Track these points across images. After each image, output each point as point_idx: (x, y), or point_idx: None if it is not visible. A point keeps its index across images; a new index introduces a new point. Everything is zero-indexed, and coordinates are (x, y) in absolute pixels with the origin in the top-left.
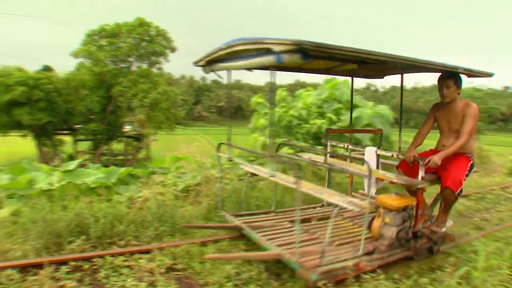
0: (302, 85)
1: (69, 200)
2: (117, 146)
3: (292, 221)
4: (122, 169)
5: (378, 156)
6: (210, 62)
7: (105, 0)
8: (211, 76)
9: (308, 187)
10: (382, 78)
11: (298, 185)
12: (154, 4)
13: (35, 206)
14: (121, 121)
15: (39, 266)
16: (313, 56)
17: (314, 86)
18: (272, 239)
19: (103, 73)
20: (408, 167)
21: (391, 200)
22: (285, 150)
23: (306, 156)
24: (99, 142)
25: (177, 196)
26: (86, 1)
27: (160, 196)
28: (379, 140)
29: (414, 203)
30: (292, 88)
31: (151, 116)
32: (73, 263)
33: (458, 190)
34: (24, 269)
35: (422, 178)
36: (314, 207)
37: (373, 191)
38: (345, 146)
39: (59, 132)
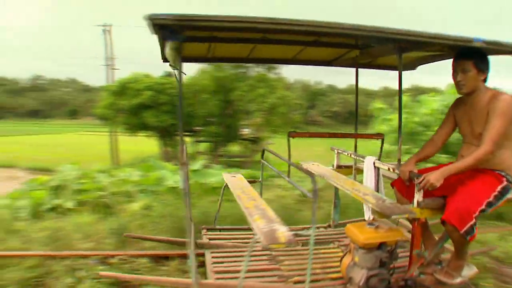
0: (419, 89)
1: (194, 198)
2: (233, 148)
3: None
4: (244, 171)
5: (377, 169)
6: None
7: (223, 8)
8: (326, 81)
9: (246, 204)
10: (414, 69)
11: (186, 194)
12: (268, 9)
13: (164, 201)
14: (238, 124)
15: (167, 257)
16: (189, 38)
17: (434, 90)
18: (220, 262)
19: (223, 78)
20: (405, 186)
21: (361, 232)
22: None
23: (306, 165)
24: (217, 144)
25: (297, 200)
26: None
27: (281, 200)
28: (380, 147)
29: (398, 239)
30: (408, 93)
31: (268, 120)
32: (200, 259)
33: (466, 227)
34: (154, 259)
35: (419, 203)
36: (318, 228)
37: (369, 215)
38: (348, 154)
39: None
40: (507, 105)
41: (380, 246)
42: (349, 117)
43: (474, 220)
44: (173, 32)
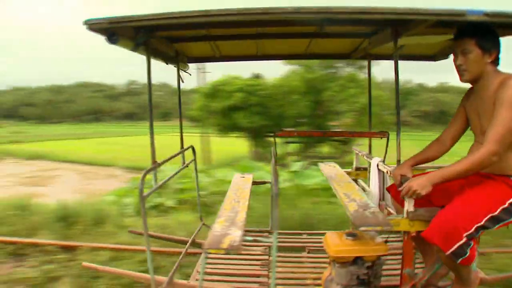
0: None
1: (295, 199)
2: (323, 149)
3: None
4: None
5: (381, 172)
6: None
7: None
8: (416, 79)
9: (225, 206)
10: (446, 57)
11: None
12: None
13: (264, 202)
14: (329, 125)
15: None
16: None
17: None
18: (210, 263)
19: (313, 79)
20: (399, 192)
21: (334, 243)
22: None
23: (322, 166)
24: (307, 144)
25: None
26: None
27: None
28: (385, 147)
29: (380, 254)
30: None
31: (360, 121)
32: None
33: (453, 248)
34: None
35: (408, 214)
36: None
37: None
38: (362, 155)
39: (270, 134)
40: None
41: (355, 261)
42: (440, 117)
43: (465, 239)
44: (114, 35)
